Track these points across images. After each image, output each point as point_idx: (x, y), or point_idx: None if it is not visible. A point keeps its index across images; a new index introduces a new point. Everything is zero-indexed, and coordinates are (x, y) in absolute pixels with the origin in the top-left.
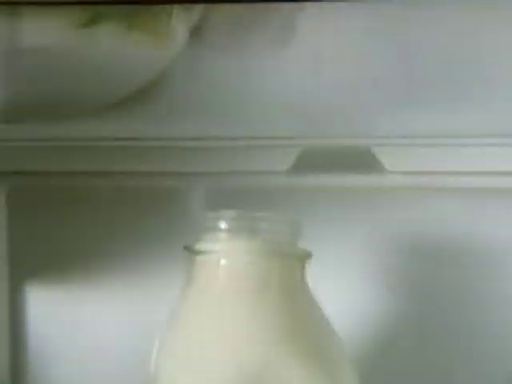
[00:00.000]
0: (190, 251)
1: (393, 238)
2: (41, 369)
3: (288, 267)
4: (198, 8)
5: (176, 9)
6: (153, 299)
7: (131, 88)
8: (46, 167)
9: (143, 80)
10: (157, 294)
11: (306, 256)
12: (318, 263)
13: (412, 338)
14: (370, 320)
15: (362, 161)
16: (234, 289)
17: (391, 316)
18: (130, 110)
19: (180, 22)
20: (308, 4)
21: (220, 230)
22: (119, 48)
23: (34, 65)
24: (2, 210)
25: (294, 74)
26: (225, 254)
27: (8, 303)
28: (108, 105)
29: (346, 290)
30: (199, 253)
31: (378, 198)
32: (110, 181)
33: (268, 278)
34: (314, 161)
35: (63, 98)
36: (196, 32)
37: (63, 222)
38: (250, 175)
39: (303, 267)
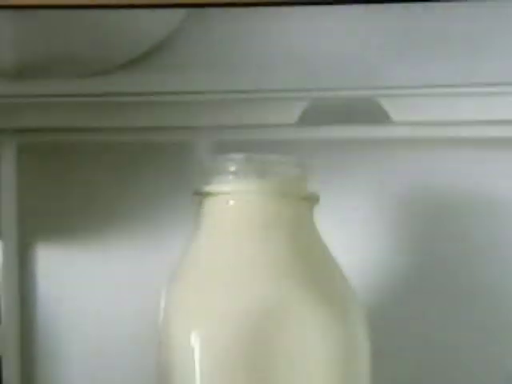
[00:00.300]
0: (200, 194)
1: (400, 189)
2: (50, 327)
3: (297, 208)
4: None
5: None
6: (164, 254)
7: (143, 48)
8: (55, 123)
9: (154, 40)
10: (168, 248)
11: (314, 198)
12: (325, 214)
13: (418, 285)
14: (378, 268)
15: (369, 112)
16: (244, 228)
17: (399, 264)
18: (139, 66)
19: None
20: None
21: (229, 171)
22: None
23: (47, 24)
24: (11, 168)
25: (298, 28)
26: (234, 195)
27: (17, 262)
28: (119, 65)
29: (353, 241)
30: (209, 195)
31: (385, 149)
32: (121, 136)
33: (277, 218)
34: (320, 113)
35: (75, 57)
36: None
37: (73, 179)
38: (258, 128)
39: (311, 209)
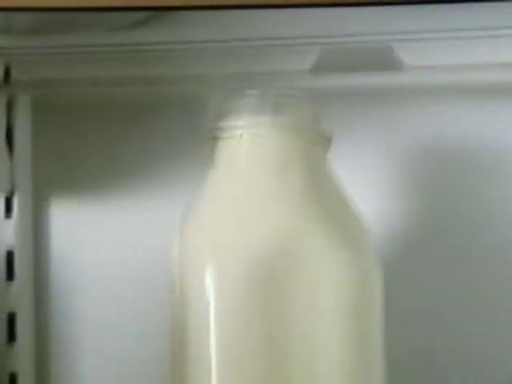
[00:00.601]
0: (214, 131)
1: (413, 138)
2: (64, 284)
3: (310, 144)
4: None
5: None
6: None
7: None
8: (70, 76)
9: None
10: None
11: (327, 136)
12: (337, 163)
13: (431, 233)
14: (391, 216)
15: (382, 58)
16: (257, 164)
17: (412, 212)
18: (154, 19)
19: None
20: None
21: (243, 107)
22: None
23: None
24: (26, 123)
25: None
26: (248, 130)
27: (31, 219)
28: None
29: (366, 189)
30: (223, 131)
31: (399, 97)
32: (135, 89)
33: (291, 153)
34: (333, 60)
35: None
36: None
37: (88, 135)
38: (272, 75)
39: (325, 147)
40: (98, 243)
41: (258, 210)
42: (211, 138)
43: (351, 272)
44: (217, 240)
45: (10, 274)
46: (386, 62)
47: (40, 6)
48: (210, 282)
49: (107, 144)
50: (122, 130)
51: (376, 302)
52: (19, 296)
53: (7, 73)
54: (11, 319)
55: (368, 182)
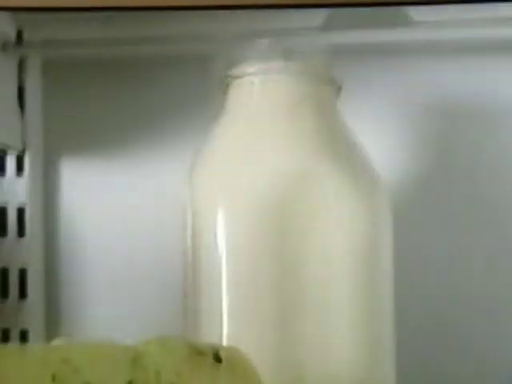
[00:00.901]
0: (225, 78)
1: (422, 91)
2: (73, 239)
3: (322, 89)
4: None
5: None
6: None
7: None
8: (80, 36)
9: None
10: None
11: (338, 82)
12: (350, 119)
13: (438, 182)
14: (403, 167)
15: (390, 14)
16: (268, 108)
17: (420, 164)
18: None
19: None
20: None
21: (255, 55)
22: None
23: None
24: (36, 81)
25: None
26: (259, 76)
27: (42, 175)
28: None
29: (378, 141)
30: (234, 78)
31: (409, 54)
32: (144, 49)
33: (302, 98)
34: (344, 17)
35: None
36: None
37: (97, 93)
38: (283, 32)
39: (336, 94)
40: (108, 200)
41: (269, 154)
42: (223, 86)
43: (363, 215)
44: (228, 183)
45: (21, 230)
46: (394, 18)
47: (44, 6)
48: (221, 225)
49: (118, 103)
50: (132, 88)
51: (386, 246)
52: (30, 252)
53: (19, 35)
54: (22, 275)
55: (380, 134)
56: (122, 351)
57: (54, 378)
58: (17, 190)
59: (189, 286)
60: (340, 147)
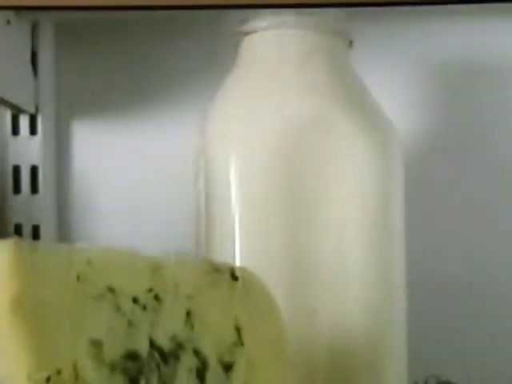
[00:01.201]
0: (237, 33)
1: (436, 48)
2: (85, 197)
3: (334, 42)
4: None
5: None
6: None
7: None
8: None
9: None
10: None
11: (349, 36)
12: (368, 78)
13: (450, 139)
14: (414, 125)
15: None
16: (282, 58)
17: (434, 121)
18: None
19: None
20: None
21: (267, 11)
22: None
23: None
24: (49, 44)
25: None
26: (272, 30)
27: (54, 136)
28: None
29: (391, 100)
30: (247, 33)
31: (419, 15)
32: (154, 11)
33: (315, 49)
34: None
35: None
36: None
37: (109, 56)
38: None
39: (348, 48)
40: (119, 159)
41: (282, 101)
42: (235, 42)
43: (375, 161)
44: (241, 129)
45: (34, 187)
46: None
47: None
48: (234, 171)
49: (129, 64)
50: (144, 49)
51: (398, 192)
52: (43, 209)
53: None
54: (35, 232)
55: (392, 93)
56: (143, 260)
57: (78, 277)
58: (30, 149)
59: (201, 235)
60: (352, 95)
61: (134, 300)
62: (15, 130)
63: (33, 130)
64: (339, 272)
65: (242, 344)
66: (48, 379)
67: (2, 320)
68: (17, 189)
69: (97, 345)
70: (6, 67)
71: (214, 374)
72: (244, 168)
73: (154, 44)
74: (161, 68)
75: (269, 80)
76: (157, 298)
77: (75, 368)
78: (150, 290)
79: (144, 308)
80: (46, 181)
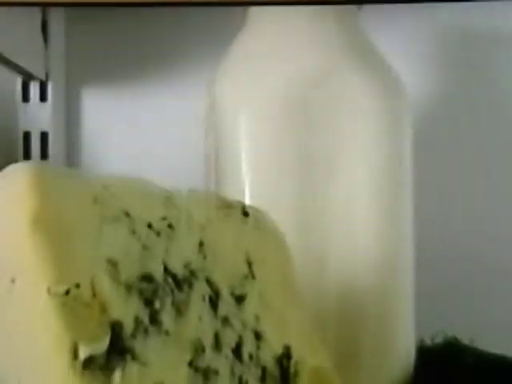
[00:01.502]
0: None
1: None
2: (94, 163)
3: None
4: None
5: None
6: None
7: None
8: None
9: None
10: None
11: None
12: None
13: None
14: (426, 88)
15: None
16: (292, 14)
17: (445, 84)
18: None
19: None
20: None
21: None
22: None
23: None
24: (60, 12)
25: None
26: None
27: (64, 103)
28: None
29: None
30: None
31: None
32: None
33: (324, 9)
34: None
35: None
36: None
37: (118, 25)
38: None
39: (358, 10)
40: (127, 124)
41: (292, 53)
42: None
43: (384, 115)
44: (251, 79)
45: (44, 153)
46: None
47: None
48: (244, 121)
49: (139, 32)
50: (155, 17)
51: (407, 146)
52: None
53: None
54: None
55: (406, 54)
56: (157, 190)
57: (95, 199)
58: (40, 115)
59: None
60: (363, 51)
61: (149, 226)
62: (26, 97)
63: (43, 97)
64: (349, 220)
65: (254, 277)
66: (67, 292)
67: (23, 236)
68: (27, 155)
69: (113, 264)
70: (17, 35)
71: (226, 304)
72: (255, 118)
73: (163, 12)
74: (171, 36)
75: (280, 38)
76: (170, 226)
77: (93, 284)
78: (164, 219)
79: (158, 234)
80: (55, 147)
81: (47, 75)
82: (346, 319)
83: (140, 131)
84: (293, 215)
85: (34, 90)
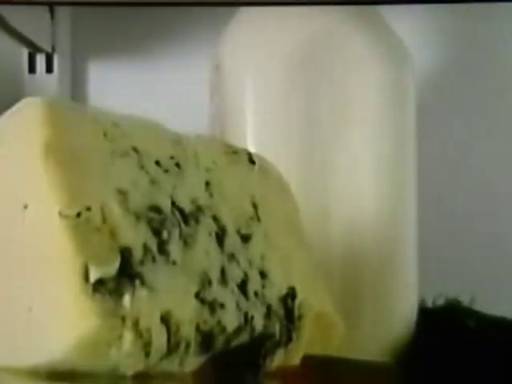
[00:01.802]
0: None
1: None
2: None
3: None
4: None
5: None
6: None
7: None
8: None
9: None
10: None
11: None
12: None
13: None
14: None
15: None
16: None
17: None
18: None
19: None
20: None
21: None
22: None
23: None
24: None
25: None
26: None
27: (70, 74)
28: None
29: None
30: None
31: None
32: None
33: None
34: None
35: None
36: None
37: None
38: None
39: None
40: (132, 97)
41: (297, 13)
42: None
43: (387, 74)
44: (255, 40)
45: None
46: None
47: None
48: (250, 80)
49: (144, 9)
50: None
51: (410, 104)
52: None
53: None
54: None
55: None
56: (166, 131)
57: (105, 134)
58: (46, 87)
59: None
60: (367, 14)
61: (157, 163)
62: (32, 68)
63: (49, 69)
64: (353, 179)
65: (259, 220)
66: (78, 214)
67: (36, 163)
68: None
69: (122, 193)
70: (23, 7)
71: (232, 241)
72: (259, 78)
73: None
74: (174, 8)
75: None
76: (178, 165)
77: (103, 210)
78: (172, 158)
79: (166, 171)
80: None
81: (53, 47)
82: (348, 274)
83: (145, 102)
84: (297, 174)
85: (41, 61)
